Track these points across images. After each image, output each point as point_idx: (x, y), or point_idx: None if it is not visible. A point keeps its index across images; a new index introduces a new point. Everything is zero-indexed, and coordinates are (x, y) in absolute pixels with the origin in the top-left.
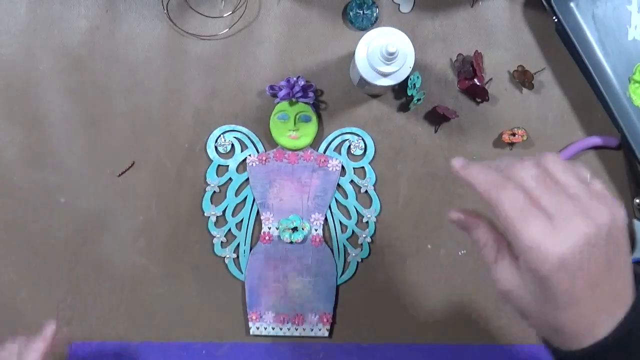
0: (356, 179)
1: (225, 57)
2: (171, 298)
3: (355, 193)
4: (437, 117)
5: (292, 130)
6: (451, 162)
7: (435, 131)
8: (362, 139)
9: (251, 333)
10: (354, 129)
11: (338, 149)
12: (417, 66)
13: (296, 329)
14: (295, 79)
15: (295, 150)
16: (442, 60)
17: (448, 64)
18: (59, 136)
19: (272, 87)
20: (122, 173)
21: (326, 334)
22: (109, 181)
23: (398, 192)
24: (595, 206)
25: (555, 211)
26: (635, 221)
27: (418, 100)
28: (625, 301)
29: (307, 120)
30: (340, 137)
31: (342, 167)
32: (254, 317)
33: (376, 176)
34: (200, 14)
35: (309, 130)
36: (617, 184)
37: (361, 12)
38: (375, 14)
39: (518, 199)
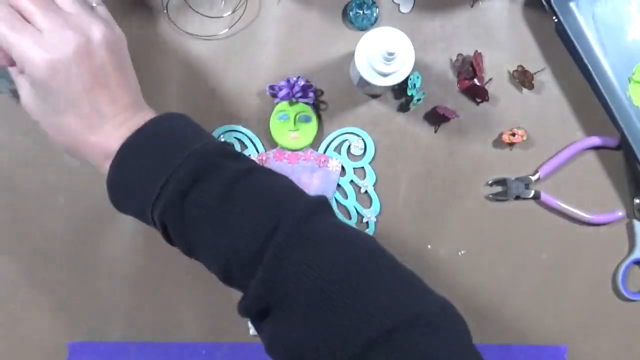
0: (356, 179)
1: (225, 57)
2: (171, 298)
3: (355, 193)
4: (437, 117)
5: (292, 131)
6: None
7: (435, 131)
8: (362, 139)
9: (251, 333)
10: (354, 129)
11: (338, 149)
12: (417, 66)
13: None
14: (295, 79)
15: (295, 150)
16: (442, 60)
17: (448, 64)
18: None
19: (272, 87)
20: None
21: None
22: None
23: (398, 192)
24: (88, 22)
25: (46, 25)
26: (635, 221)
27: (418, 100)
28: (140, 113)
29: (307, 120)
30: (340, 137)
31: (342, 167)
32: None
33: (376, 176)
34: (200, 14)
35: (309, 131)
36: (617, 184)
37: (361, 12)
38: (375, 14)
39: (6, 16)
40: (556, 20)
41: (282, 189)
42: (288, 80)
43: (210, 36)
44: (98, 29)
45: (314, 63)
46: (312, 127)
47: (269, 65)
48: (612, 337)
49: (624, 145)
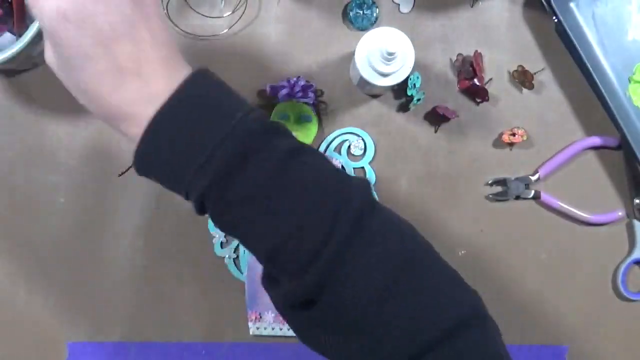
0: None
1: (225, 57)
2: (171, 298)
3: None
4: (437, 117)
5: (292, 130)
6: None
7: (435, 131)
8: (362, 139)
9: (251, 333)
10: (354, 129)
11: (338, 149)
12: (417, 66)
13: None
14: (295, 79)
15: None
16: (442, 60)
17: (448, 64)
18: (59, 136)
19: (272, 87)
20: (122, 173)
21: None
22: (109, 181)
23: (398, 192)
24: None
25: None
26: (635, 221)
27: (418, 100)
28: (168, 75)
29: (307, 120)
30: (340, 137)
31: (342, 167)
32: (253, 317)
33: (376, 176)
34: (200, 14)
35: (309, 131)
36: (617, 184)
37: (361, 12)
38: (375, 14)
39: None
40: (556, 20)
41: (332, 173)
42: (288, 81)
43: (210, 36)
44: None
45: (314, 63)
46: (312, 127)
47: (269, 65)
48: (612, 337)
49: (624, 145)
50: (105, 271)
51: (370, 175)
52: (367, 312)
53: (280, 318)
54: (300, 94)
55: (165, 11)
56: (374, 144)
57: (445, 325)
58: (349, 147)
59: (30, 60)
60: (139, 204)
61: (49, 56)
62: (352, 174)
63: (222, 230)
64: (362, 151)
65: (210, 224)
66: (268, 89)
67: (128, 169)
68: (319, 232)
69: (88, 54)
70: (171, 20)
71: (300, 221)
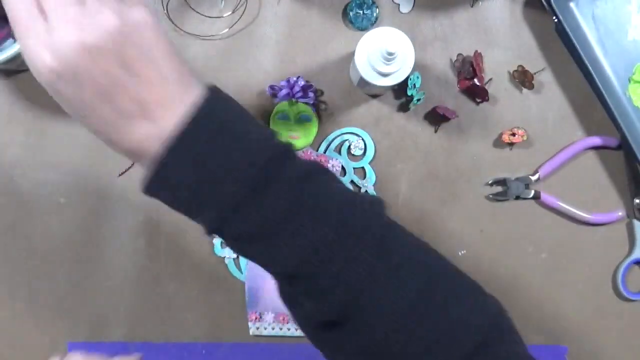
0: (356, 179)
1: (225, 57)
2: (171, 298)
3: None
4: (437, 117)
5: (292, 130)
6: None
7: (435, 131)
8: (362, 139)
9: (251, 333)
10: (354, 129)
11: (338, 149)
12: (417, 66)
13: (296, 329)
14: (295, 79)
15: (295, 150)
16: (442, 60)
17: (448, 64)
18: (59, 136)
19: (272, 87)
20: (122, 173)
21: None
22: (109, 181)
23: (398, 192)
24: (101, 11)
25: (54, 17)
26: (635, 221)
27: (418, 100)
28: (174, 109)
29: (307, 120)
30: (340, 137)
31: (342, 167)
32: (253, 318)
33: (376, 176)
34: (200, 14)
35: (309, 131)
36: (617, 184)
37: (361, 12)
38: (375, 14)
39: (26, 2)
40: (556, 20)
41: (348, 193)
42: (288, 80)
43: (210, 36)
44: (112, 20)
45: (314, 63)
46: (312, 127)
47: (269, 65)
48: (612, 337)
49: (624, 145)
50: (105, 271)
51: (370, 175)
52: (394, 333)
53: (280, 318)
54: (300, 94)
55: (165, 11)
56: (374, 144)
57: (473, 340)
58: (349, 147)
59: None
60: (139, 204)
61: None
62: (352, 174)
63: (235, 252)
64: (362, 151)
65: None
66: (268, 89)
67: (128, 169)
68: (340, 254)
69: (89, 106)
70: (171, 20)
71: (320, 243)
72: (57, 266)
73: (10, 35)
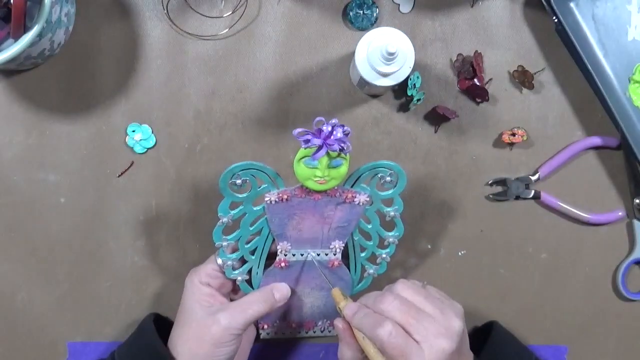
0: (382, 207)
1: (225, 57)
2: (171, 298)
3: (380, 220)
4: (437, 117)
5: (320, 177)
6: (336, 325)
7: (435, 131)
8: (395, 172)
9: (261, 337)
10: (386, 163)
11: (367, 181)
12: (417, 66)
13: (306, 332)
14: (330, 127)
15: (322, 191)
16: (442, 60)
17: (448, 64)
18: (59, 136)
19: (305, 139)
20: (122, 173)
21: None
22: (109, 181)
23: None
24: (449, 318)
25: (422, 337)
26: (635, 221)
27: (418, 100)
28: None
29: (338, 165)
30: (371, 171)
31: (369, 197)
32: (265, 327)
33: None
34: (200, 14)
35: (339, 174)
36: (617, 184)
37: (361, 12)
38: (375, 14)
39: (394, 334)
40: (556, 20)
41: None
42: (320, 130)
43: (210, 36)
44: (457, 321)
45: (314, 63)
46: (342, 170)
47: (269, 65)
48: (612, 337)
49: (624, 145)
50: (105, 271)
51: (398, 204)
52: None
53: (292, 325)
54: (336, 147)
55: (165, 11)
56: (406, 175)
57: None
58: (380, 179)
59: (30, 61)
60: (139, 204)
61: None
62: (380, 204)
63: None
64: (394, 185)
65: (216, 234)
66: (301, 141)
67: (128, 168)
68: None
69: None
70: (171, 20)
71: None
72: (57, 266)
73: (10, 35)
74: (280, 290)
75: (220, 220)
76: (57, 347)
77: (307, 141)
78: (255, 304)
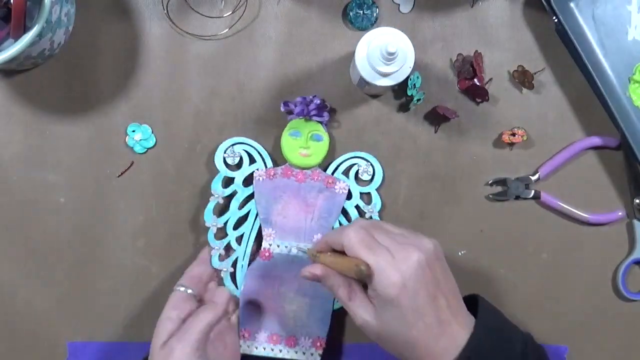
0: (361, 204)
1: (225, 57)
2: None
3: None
4: (437, 117)
5: (303, 148)
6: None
7: (435, 131)
8: (372, 165)
9: (241, 351)
10: (363, 154)
11: (346, 172)
12: (417, 66)
13: (287, 352)
14: (311, 97)
15: (305, 168)
16: (442, 60)
17: (448, 64)
18: (59, 136)
19: (286, 104)
20: (122, 173)
21: (318, 359)
22: (109, 181)
23: (398, 192)
24: (419, 239)
25: (390, 245)
26: (635, 221)
27: (418, 100)
28: (463, 325)
29: (319, 139)
30: (349, 160)
31: (349, 191)
32: (246, 335)
33: (382, 203)
34: (200, 14)
35: (320, 150)
36: (617, 184)
37: (361, 12)
38: (375, 14)
39: (363, 235)
40: (556, 20)
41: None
42: (304, 98)
43: (210, 36)
44: (429, 242)
45: (314, 63)
46: (323, 147)
47: (269, 65)
48: (612, 337)
49: (624, 145)
50: (105, 271)
51: (376, 202)
52: None
53: (273, 338)
54: (314, 112)
55: (165, 11)
56: (383, 170)
57: None
58: (357, 171)
59: (30, 61)
60: (139, 204)
61: (369, 322)
62: (359, 199)
63: None
64: (370, 177)
65: (211, 236)
66: (282, 106)
67: (128, 168)
68: None
69: (420, 311)
70: (171, 20)
71: None
72: (57, 266)
73: (10, 35)
74: (220, 296)
75: (213, 196)
76: (57, 347)
77: (289, 112)
78: (201, 313)
